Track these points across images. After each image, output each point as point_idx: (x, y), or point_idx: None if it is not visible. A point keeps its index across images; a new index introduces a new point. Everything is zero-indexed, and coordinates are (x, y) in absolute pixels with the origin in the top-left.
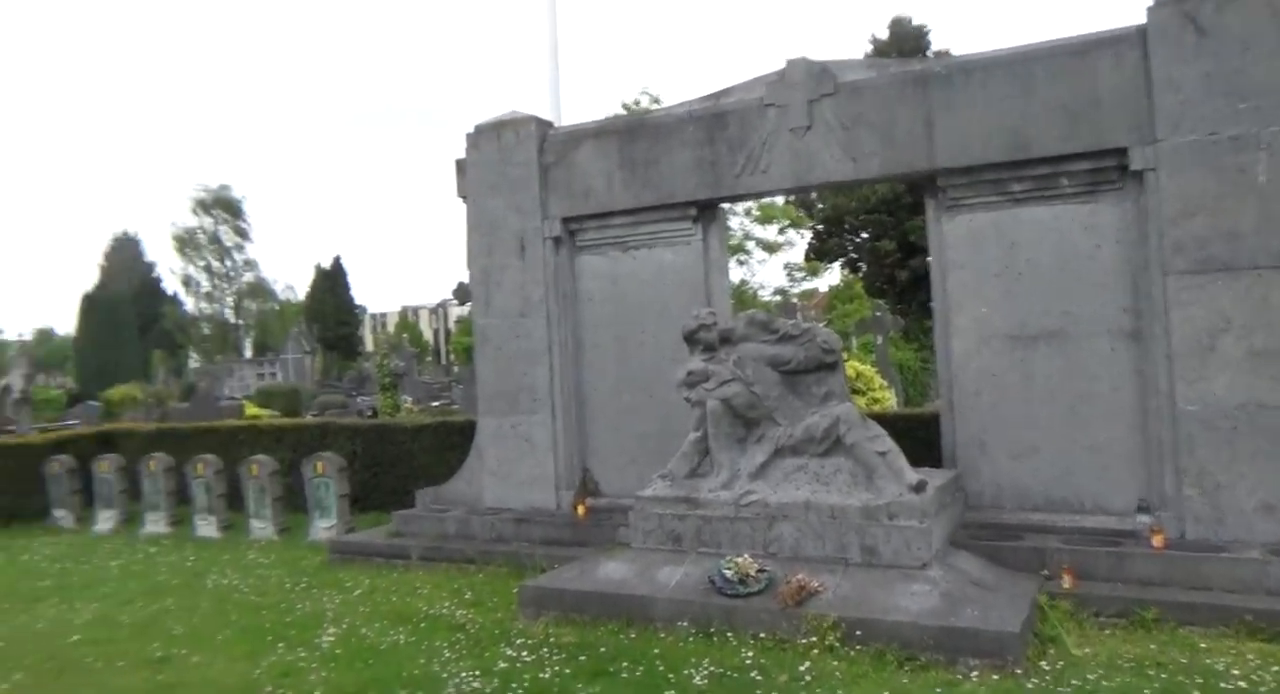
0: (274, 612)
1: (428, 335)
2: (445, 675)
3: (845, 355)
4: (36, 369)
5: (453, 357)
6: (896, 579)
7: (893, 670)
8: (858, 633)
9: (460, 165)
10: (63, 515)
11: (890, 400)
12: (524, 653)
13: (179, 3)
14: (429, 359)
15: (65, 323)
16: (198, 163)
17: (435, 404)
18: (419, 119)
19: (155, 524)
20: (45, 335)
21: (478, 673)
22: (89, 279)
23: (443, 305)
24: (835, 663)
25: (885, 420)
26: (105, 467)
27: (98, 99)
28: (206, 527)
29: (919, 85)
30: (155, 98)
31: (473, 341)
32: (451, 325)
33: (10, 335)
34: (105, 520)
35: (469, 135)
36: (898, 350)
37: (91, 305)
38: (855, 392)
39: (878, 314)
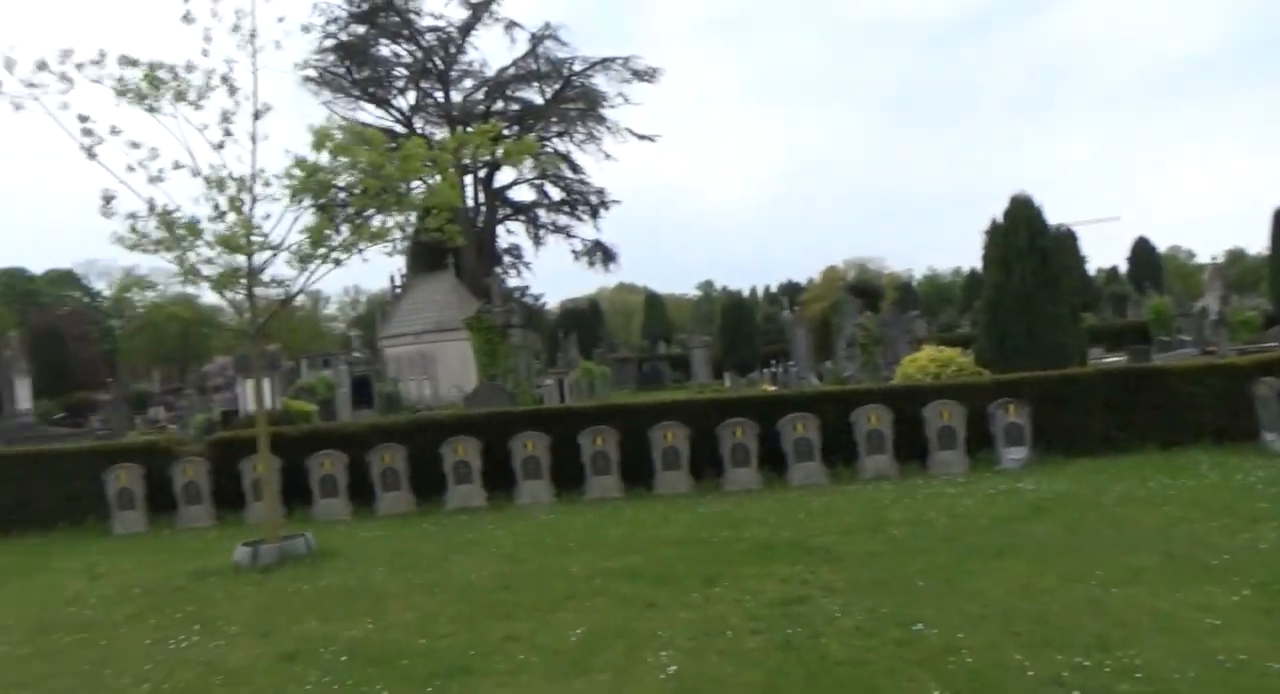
0: None
1: None
2: None
3: None
4: (1230, 290)
5: None
6: None
7: None
8: None
9: None
10: (1272, 438)
11: None
12: None
13: None
14: None
15: (1256, 242)
16: None
17: None
18: None
19: None
20: (1236, 255)
21: None
22: None
23: None
24: None
25: None
26: None
27: None
28: None
29: None
30: None
31: None
32: None
33: (1203, 258)
34: None
35: None
36: None
37: None
38: None
39: None
